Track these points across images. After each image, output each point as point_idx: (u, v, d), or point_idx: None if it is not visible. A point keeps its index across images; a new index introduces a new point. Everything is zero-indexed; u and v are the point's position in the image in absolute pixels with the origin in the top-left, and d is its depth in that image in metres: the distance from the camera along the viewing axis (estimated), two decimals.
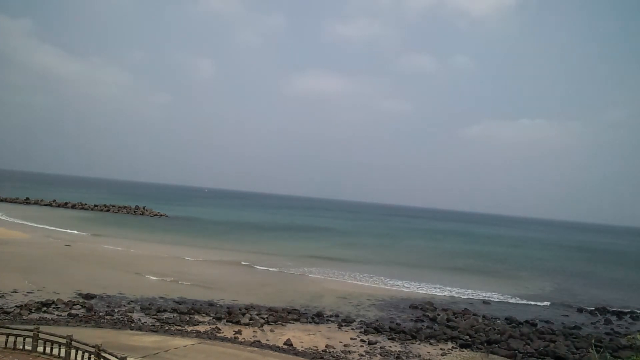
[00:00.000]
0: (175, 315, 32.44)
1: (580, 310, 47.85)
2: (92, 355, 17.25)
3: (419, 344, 30.88)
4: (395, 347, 29.72)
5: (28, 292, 34.31)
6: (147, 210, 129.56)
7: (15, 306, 30.27)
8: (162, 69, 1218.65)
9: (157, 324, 29.88)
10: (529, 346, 31.66)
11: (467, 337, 32.80)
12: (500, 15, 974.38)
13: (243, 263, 58.44)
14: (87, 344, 17.54)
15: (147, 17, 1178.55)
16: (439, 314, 39.13)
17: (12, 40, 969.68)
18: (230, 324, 31.54)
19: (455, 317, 38.36)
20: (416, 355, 28.23)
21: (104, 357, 17.06)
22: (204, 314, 33.27)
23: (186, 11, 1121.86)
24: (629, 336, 32.38)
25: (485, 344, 31.42)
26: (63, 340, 17.97)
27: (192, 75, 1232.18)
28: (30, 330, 18.83)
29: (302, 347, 27.76)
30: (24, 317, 28.25)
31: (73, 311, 30.83)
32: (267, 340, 28.50)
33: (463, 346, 30.97)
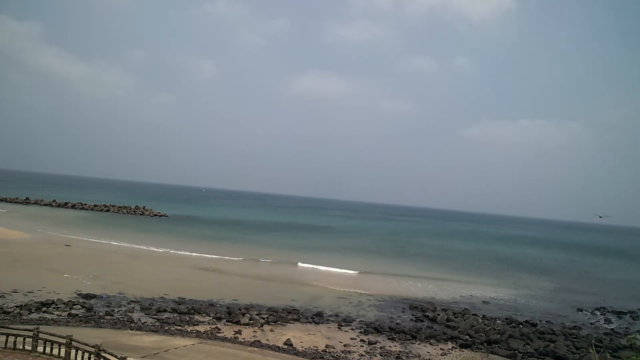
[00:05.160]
0: (175, 315, 32.43)
1: (580, 310, 47.82)
2: (92, 355, 17.24)
3: (419, 344, 30.86)
4: (395, 347, 29.71)
5: (28, 292, 34.31)
6: (147, 210, 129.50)
7: (15, 306, 30.26)
8: (165, 70, 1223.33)
9: (157, 324, 29.87)
10: (529, 346, 31.63)
11: (467, 337, 32.78)
12: (500, 18, 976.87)
13: (241, 269, 58.31)
14: (87, 344, 17.53)
15: (151, 19, 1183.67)
16: (439, 314, 39.08)
17: (19, 42, 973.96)
18: (230, 324, 31.52)
19: (455, 317, 38.33)
20: (416, 355, 28.20)
21: (104, 357, 17.04)
22: (204, 314, 33.26)
23: (190, 14, 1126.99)
24: (629, 336, 32.42)
25: (485, 344, 31.40)
26: (63, 340, 17.96)
27: (195, 76, 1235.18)
28: (30, 330, 18.81)
29: (302, 347, 27.75)
30: (24, 317, 28.25)
31: (73, 311, 30.83)
32: (267, 340, 28.48)
33: (463, 346, 30.94)
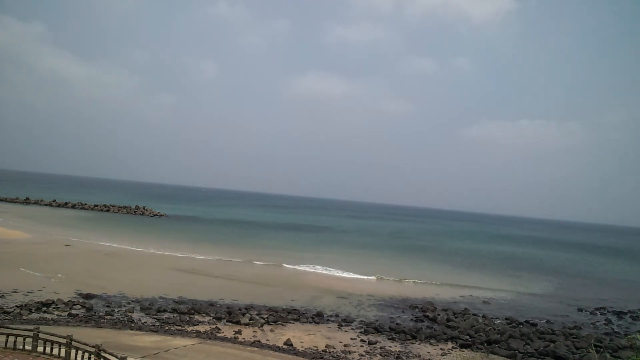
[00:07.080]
0: (175, 315, 32.44)
1: (580, 310, 47.83)
2: (92, 355, 17.24)
3: (419, 344, 30.86)
4: (395, 347, 29.71)
5: (28, 292, 34.30)
6: (147, 210, 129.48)
7: (15, 306, 30.26)
8: (166, 71, 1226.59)
9: (157, 324, 29.88)
10: (529, 346, 31.63)
11: (467, 337, 32.79)
12: (500, 19, 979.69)
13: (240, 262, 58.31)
14: (87, 344, 17.53)
15: (153, 21, 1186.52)
16: (439, 314, 39.08)
17: (21, 42, 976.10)
18: (230, 324, 31.53)
19: (455, 317, 38.34)
20: (416, 355, 28.21)
21: (104, 357, 17.04)
22: (204, 314, 33.27)
23: (191, 15, 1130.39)
24: (629, 336, 32.46)
25: (485, 344, 31.41)
26: (63, 340, 17.96)
27: (196, 77, 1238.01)
28: (30, 330, 18.81)
29: (302, 347, 27.75)
30: (24, 317, 28.25)
31: (73, 311, 30.83)
32: (267, 340, 28.49)
33: (463, 346, 30.95)
